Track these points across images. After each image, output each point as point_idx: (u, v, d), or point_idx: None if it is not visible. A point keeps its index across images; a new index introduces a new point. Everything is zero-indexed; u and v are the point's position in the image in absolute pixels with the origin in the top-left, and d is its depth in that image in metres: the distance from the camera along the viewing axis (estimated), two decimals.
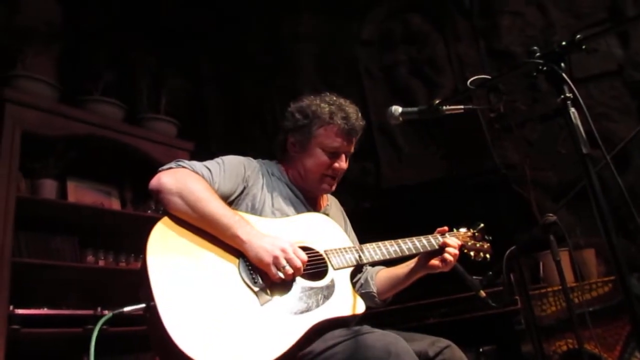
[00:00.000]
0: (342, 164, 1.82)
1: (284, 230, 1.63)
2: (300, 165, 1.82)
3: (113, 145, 3.51)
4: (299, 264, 1.49)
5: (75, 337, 2.90)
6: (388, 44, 4.13)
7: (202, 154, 2.09)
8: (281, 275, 1.47)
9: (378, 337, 1.38)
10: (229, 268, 1.48)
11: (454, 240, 1.82)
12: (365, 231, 1.98)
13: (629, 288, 1.11)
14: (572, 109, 1.02)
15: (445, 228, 1.90)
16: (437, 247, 1.80)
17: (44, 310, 2.85)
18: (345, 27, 4.26)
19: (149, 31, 4.16)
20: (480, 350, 2.62)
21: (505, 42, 3.74)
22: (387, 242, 1.76)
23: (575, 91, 1.01)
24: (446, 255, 1.78)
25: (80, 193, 3.46)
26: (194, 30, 4.51)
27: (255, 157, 1.88)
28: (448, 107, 1.46)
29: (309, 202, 1.87)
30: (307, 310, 1.47)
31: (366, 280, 1.92)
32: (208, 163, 1.70)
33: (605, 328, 2.88)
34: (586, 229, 3.29)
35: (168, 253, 1.44)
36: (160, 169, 1.62)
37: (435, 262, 1.80)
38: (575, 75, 1.01)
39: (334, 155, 1.80)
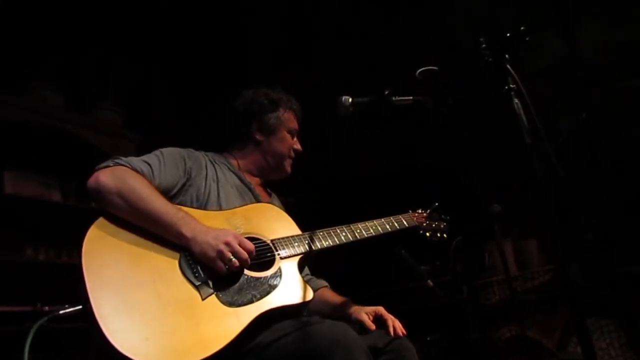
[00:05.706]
0: (299, 145, 1.96)
1: (230, 221, 1.60)
2: (267, 151, 1.89)
3: (54, 135, 3.33)
4: (245, 256, 1.47)
5: (14, 335, 2.75)
6: (341, 36, 4.14)
7: (150, 145, 2.02)
8: (227, 268, 1.44)
9: (327, 327, 1.37)
10: (169, 264, 1.45)
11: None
12: (315, 224, 1.96)
13: (568, 276, 1.15)
14: (516, 100, 1.04)
15: None
16: (390, 230, 1.82)
17: None
18: (299, 17, 4.22)
19: (96, 13, 3.97)
20: (427, 339, 2.67)
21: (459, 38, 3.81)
22: (337, 228, 1.75)
23: (519, 82, 1.03)
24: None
25: (19, 184, 3.27)
26: (145, 13, 4.34)
27: (207, 148, 1.85)
28: (397, 97, 1.49)
29: (258, 189, 1.85)
30: (251, 301, 1.45)
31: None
32: (147, 157, 1.65)
33: (545, 315, 3.01)
34: (529, 220, 3.42)
35: (105, 252, 1.40)
36: (96, 167, 1.56)
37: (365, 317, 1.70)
38: (521, 71, 1.04)
39: (293, 136, 1.94)
